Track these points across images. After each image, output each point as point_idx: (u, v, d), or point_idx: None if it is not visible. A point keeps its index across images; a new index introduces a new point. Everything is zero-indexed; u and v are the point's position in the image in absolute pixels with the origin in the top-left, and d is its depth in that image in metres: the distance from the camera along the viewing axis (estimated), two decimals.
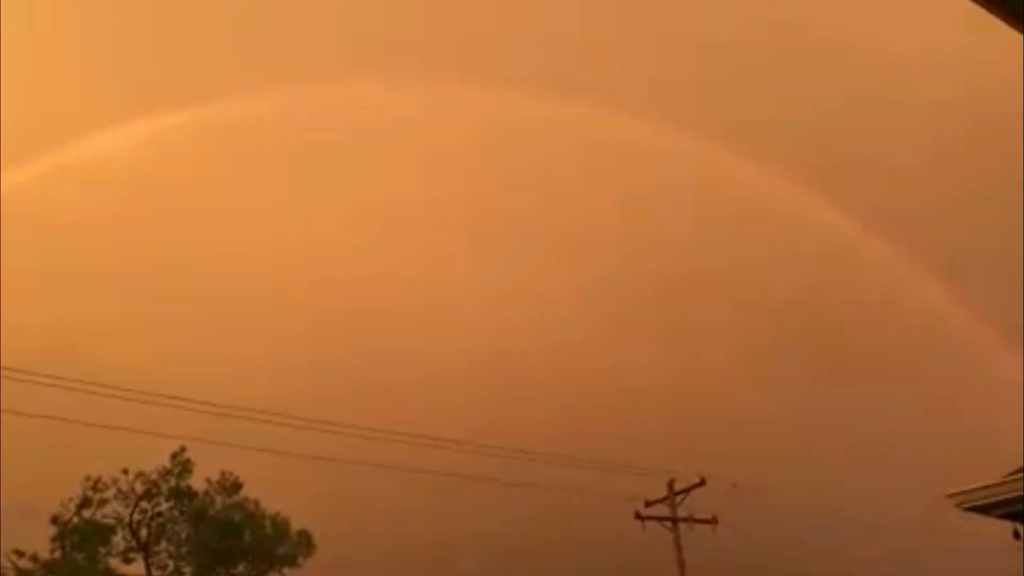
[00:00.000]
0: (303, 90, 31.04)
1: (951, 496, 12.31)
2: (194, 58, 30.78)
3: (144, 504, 27.94)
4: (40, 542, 26.69)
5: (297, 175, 34.20)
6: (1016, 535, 12.28)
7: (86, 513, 27.36)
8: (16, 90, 26.97)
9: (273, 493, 29.26)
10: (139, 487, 27.80)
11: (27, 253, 29.41)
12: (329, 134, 33.40)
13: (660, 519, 25.76)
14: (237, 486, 29.24)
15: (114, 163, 31.98)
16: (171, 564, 28.55)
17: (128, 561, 27.88)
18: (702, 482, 25.72)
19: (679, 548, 25.43)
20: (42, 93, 30.78)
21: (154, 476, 27.92)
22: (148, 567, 27.97)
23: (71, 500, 27.19)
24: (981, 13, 4.13)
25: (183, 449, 27.77)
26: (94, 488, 27.43)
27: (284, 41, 31.40)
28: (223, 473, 29.02)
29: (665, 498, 25.91)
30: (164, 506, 28.25)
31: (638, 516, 25.47)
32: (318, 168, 34.29)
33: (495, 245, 35.80)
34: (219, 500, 29.17)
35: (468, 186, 34.85)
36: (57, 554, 26.93)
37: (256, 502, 29.50)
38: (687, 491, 25.91)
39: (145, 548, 27.88)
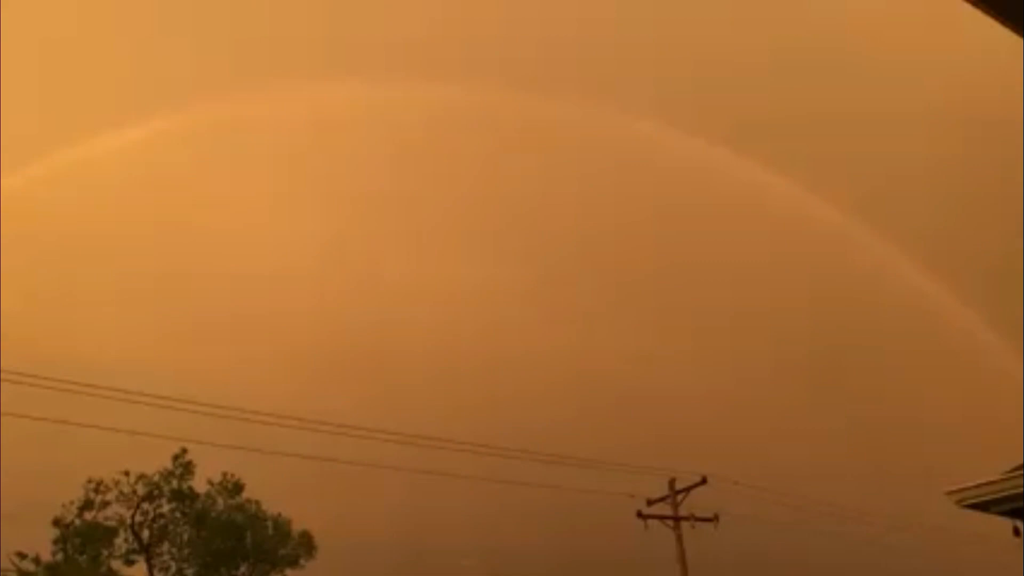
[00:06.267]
0: (301, 91, 31.08)
1: (951, 493, 12.32)
2: (192, 60, 30.82)
3: (146, 506, 27.98)
4: (42, 544, 26.76)
5: (295, 175, 34.24)
6: (1016, 532, 12.30)
7: (88, 515, 27.41)
8: (16, 92, 26.99)
9: (274, 494, 29.32)
10: (141, 489, 27.84)
11: (27, 255, 29.43)
12: (328, 134, 33.44)
13: (662, 517, 25.78)
14: (239, 487, 29.28)
15: (113, 164, 32.00)
16: (173, 566, 28.60)
17: (130, 563, 27.92)
18: (703, 480, 25.73)
19: (681, 546, 25.46)
20: (41, 96, 30.81)
21: (156, 478, 27.95)
22: (150, 569, 28.00)
23: (73, 502, 27.27)
24: (980, 15, 4.17)
25: (184, 451, 27.83)
26: (96, 490, 27.47)
27: (281, 43, 31.42)
28: (224, 475, 29.08)
29: (667, 496, 25.94)
30: (166, 508, 28.30)
31: (640, 515, 25.48)
32: (316, 168, 34.32)
33: (494, 245, 35.86)
34: (221, 502, 29.21)
35: (469, 186, 34.89)
36: (59, 556, 26.97)
37: (258, 503, 29.55)
38: (688, 489, 25.93)
39: (147, 550, 27.91)
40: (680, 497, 25.91)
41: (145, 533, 27.98)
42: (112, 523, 27.67)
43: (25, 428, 20.56)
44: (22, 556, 26.14)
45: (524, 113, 31.67)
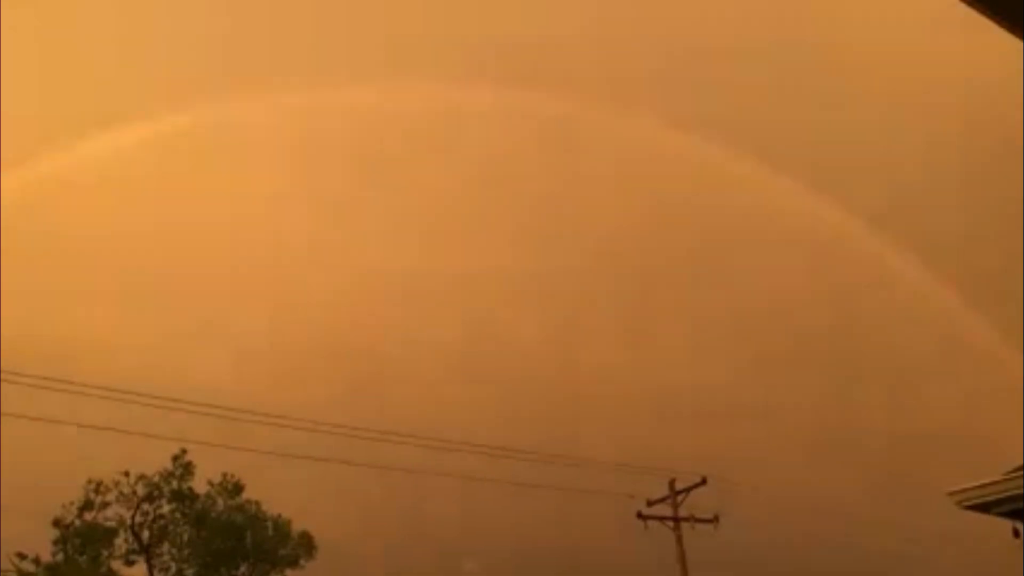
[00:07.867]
0: (299, 93, 31.07)
1: (952, 494, 12.32)
2: (191, 62, 30.82)
3: (146, 506, 27.94)
4: (42, 545, 26.75)
5: (294, 177, 34.25)
6: (1016, 533, 12.30)
7: (88, 516, 27.38)
8: (15, 95, 26.99)
9: (275, 495, 29.32)
10: (141, 489, 27.80)
11: (27, 257, 29.42)
12: (326, 136, 33.46)
13: (662, 518, 25.80)
14: (239, 488, 29.27)
15: (112, 167, 31.99)
16: (173, 566, 28.56)
17: (130, 563, 27.88)
18: (703, 481, 25.75)
19: (681, 547, 25.48)
20: (40, 98, 30.81)
21: (156, 478, 27.92)
22: (150, 569, 27.98)
23: (73, 503, 27.24)
24: (979, 16, 4.15)
25: (184, 451, 27.82)
26: (96, 490, 27.44)
27: (279, 45, 31.43)
28: (224, 475, 29.06)
29: (667, 497, 25.95)
30: (166, 508, 28.25)
31: (640, 515, 25.50)
32: (314, 170, 34.34)
33: (494, 242, 35.85)
34: (221, 502, 29.19)
35: (470, 185, 34.89)
36: (59, 557, 26.95)
37: (258, 503, 29.53)
38: (688, 490, 25.95)
39: (147, 550, 27.88)
40: (680, 498, 25.93)
41: (145, 534, 27.95)
42: (112, 523, 27.62)
43: (25, 428, 20.57)
44: (22, 556, 26.13)
45: (525, 113, 31.68)
